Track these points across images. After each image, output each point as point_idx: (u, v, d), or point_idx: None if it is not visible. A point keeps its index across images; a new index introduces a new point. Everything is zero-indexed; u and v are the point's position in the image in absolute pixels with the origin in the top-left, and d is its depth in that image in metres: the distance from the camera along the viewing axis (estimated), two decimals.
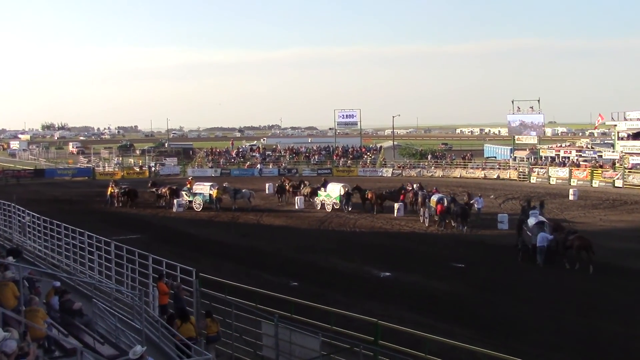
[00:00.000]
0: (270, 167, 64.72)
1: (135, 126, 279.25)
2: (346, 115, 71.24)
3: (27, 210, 21.66)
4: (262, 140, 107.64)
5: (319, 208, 37.44)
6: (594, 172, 49.95)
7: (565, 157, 58.89)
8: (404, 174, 59.13)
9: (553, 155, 61.15)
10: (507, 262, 23.36)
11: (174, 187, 40.15)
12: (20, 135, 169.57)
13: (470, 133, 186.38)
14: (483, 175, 57.08)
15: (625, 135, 54.81)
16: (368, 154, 67.44)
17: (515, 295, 18.87)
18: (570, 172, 51.22)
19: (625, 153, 52.66)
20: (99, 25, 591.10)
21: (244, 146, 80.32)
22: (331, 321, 12.53)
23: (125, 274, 15.29)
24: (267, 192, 45.09)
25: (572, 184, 49.33)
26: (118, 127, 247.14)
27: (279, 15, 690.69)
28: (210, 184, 39.30)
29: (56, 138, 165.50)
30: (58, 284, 13.00)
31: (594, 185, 48.69)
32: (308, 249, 26.13)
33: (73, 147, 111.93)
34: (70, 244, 17.81)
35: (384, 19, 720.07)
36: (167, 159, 77.09)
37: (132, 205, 39.22)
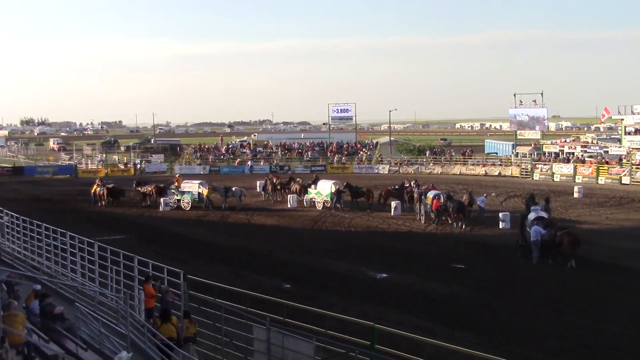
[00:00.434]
0: (262, 164, 64.71)
1: (120, 121, 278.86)
2: (341, 110, 71.29)
3: (5, 210, 21.56)
4: (252, 136, 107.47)
5: (308, 206, 37.51)
6: (600, 168, 50.13)
7: (569, 153, 58.98)
8: (401, 171, 59.25)
9: (557, 151, 61.22)
10: (509, 263, 23.42)
11: (161, 185, 40.12)
12: None
13: (470, 128, 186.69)
14: (484, 172, 57.21)
15: (633, 130, 55.00)
16: (364, 150, 67.50)
17: (518, 297, 18.92)
18: (575, 168, 51.41)
19: (633, 148, 52.81)
20: (81, 15, 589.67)
21: (233, 142, 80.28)
22: (325, 325, 12.52)
23: (110, 277, 15.24)
24: (258, 190, 45.10)
25: (577, 181, 49.49)
26: (101, 122, 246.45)
27: (270, 5, 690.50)
28: (199, 181, 39.26)
29: (36, 134, 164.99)
30: (38, 287, 12.96)
31: (599, 182, 48.87)
32: (301, 249, 26.13)
33: (54, 144, 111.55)
34: (52, 245, 17.75)
35: (380, 9, 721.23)
36: (153, 155, 77.05)
37: (117, 204, 39.14)
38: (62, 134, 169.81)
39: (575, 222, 31.41)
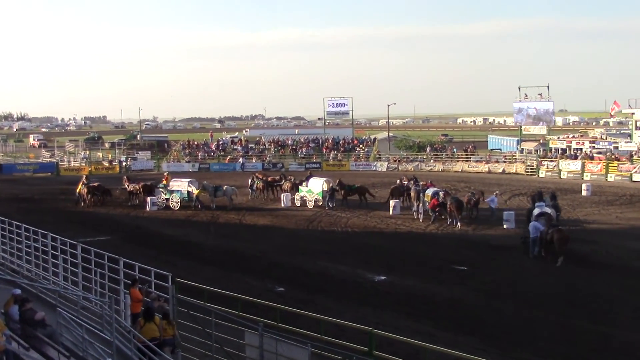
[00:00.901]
0: (254, 161, 64.74)
1: (104, 116, 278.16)
2: (336, 104, 71.36)
3: None
4: (244, 131, 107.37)
5: (299, 205, 37.56)
6: (609, 165, 50.29)
7: (577, 149, 59.24)
8: (400, 168, 59.32)
9: (564, 146, 61.49)
10: (513, 264, 23.47)
11: (149, 184, 40.06)
12: None
13: (472, 123, 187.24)
14: (487, 170, 57.35)
15: None
16: (361, 146, 67.57)
17: (523, 301, 18.95)
18: (583, 165, 51.55)
19: None
20: (59, 3, 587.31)
21: (224, 138, 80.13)
22: (321, 330, 12.54)
23: (94, 280, 15.22)
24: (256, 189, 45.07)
25: (585, 178, 49.64)
26: (84, 117, 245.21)
27: None
28: (188, 180, 39.20)
29: (15, 130, 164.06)
30: (18, 291, 12.91)
31: (609, 179, 49.06)
32: (295, 250, 26.14)
33: (34, 140, 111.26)
34: (32, 247, 17.70)
35: None
36: (139, 152, 76.89)
37: (103, 203, 39.06)
38: (43, 129, 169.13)
39: (583, 222, 31.55)
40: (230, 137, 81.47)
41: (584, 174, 50.76)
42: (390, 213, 34.16)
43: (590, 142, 62.59)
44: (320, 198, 36.94)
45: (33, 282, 16.05)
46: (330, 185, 36.97)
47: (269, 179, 42.60)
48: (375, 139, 73.89)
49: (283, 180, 40.96)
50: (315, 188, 37.60)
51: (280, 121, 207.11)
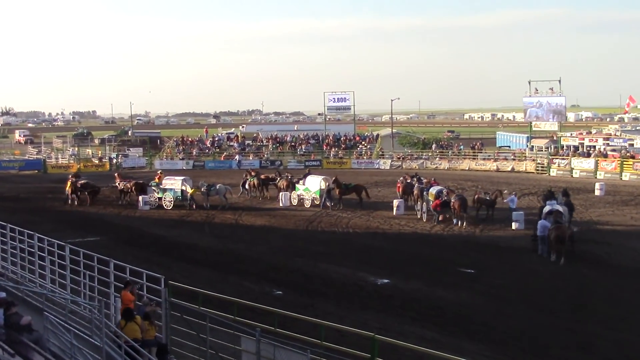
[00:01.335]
0: (251, 158, 64.68)
1: (94, 111, 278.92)
2: (338, 99, 71.28)
3: None
4: (240, 127, 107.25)
5: (295, 204, 37.58)
6: (624, 163, 50.22)
7: (590, 147, 59.17)
8: (404, 166, 59.31)
9: (576, 144, 61.45)
10: (524, 267, 23.48)
11: (141, 182, 39.99)
12: None
13: (480, 119, 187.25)
14: (495, 168, 57.32)
15: None
16: (363, 143, 67.51)
17: (533, 305, 18.95)
18: (597, 163, 51.50)
19: None
20: None
21: (220, 134, 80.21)
22: (321, 335, 12.52)
23: (83, 283, 15.19)
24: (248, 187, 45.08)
25: (598, 177, 49.60)
26: (73, 112, 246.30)
27: None
28: (182, 178, 39.15)
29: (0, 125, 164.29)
30: (3, 294, 12.89)
31: (624, 178, 49.00)
32: (294, 252, 26.14)
33: (20, 136, 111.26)
34: (18, 249, 17.68)
35: None
36: (130, 149, 76.86)
37: (91, 202, 39.03)
38: (29, 125, 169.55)
39: (596, 223, 31.54)
40: (226, 133, 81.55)
41: (598, 172, 50.71)
42: (394, 213, 34.13)
43: (604, 139, 62.51)
44: (318, 197, 36.95)
45: (19, 285, 16.04)
46: (328, 183, 36.94)
47: (263, 177, 42.56)
48: (378, 135, 73.88)
49: (279, 178, 40.93)
50: (312, 186, 37.60)
51: (279, 116, 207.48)
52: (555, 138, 62.86)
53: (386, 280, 21.63)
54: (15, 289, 15.33)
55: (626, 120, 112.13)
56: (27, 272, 17.28)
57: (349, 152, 65.10)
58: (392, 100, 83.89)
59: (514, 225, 29.95)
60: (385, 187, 45.27)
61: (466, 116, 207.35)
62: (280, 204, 37.88)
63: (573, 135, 66.00)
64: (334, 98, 71.15)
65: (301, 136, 71.99)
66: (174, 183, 38.31)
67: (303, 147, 67.56)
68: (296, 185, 38.79)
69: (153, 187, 38.85)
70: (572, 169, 52.68)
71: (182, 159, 65.51)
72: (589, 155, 54.39)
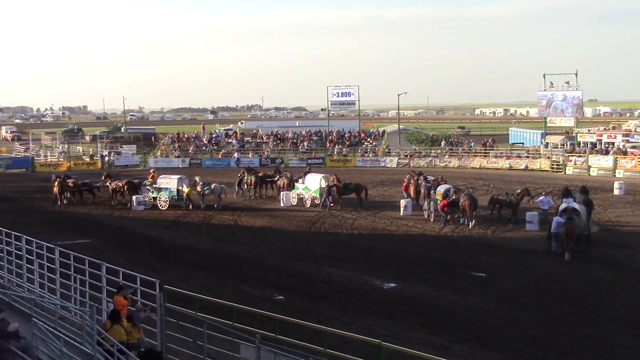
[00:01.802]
0: (250, 156, 64.71)
1: (85, 106, 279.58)
2: (341, 94, 71.27)
3: None
4: (239, 123, 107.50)
5: (295, 203, 37.64)
6: None
7: (608, 143, 59.06)
8: (411, 164, 59.26)
9: (594, 140, 61.31)
10: (538, 270, 23.47)
11: (134, 181, 40.05)
12: None
13: (492, 114, 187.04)
14: (508, 166, 57.30)
15: None
16: (368, 140, 67.57)
17: (547, 310, 18.94)
18: (616, 161, 51.46)
19: None
20: None
21: (217, 131, 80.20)
22: (324, 342, 12.53)
23: (73, 287, 15.22)
24: (245, 186, 45.14)
25: (617, 175, 49.60)
26: (63, 107, 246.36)
27: None
28: (177, 176, 39.17)
29: None
30: None
31: None
32: (296, 255, 26.15)
33: (7, 132, 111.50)
34: (4, 251, 17.72)
35: None
36: (123, 146, 76.92)
37: (80, 202, 39.11)
38: (17, 120, 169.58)
39: (615, 223, 31.50)
40: (224, 130, 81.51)
41: (616, 170, 50.67)
42: (401, 213, 34.15)
43: (624, 135, 62.31)
44: (318, 196, 36.95)
45: (6, 290, 16.06)
46: (328, 182, 36.93)
47: (260, 174, 42.57)
48: (384, 131, 73.87)
49: (277, 176, 40.93)
50: (312, 185, 37.60)
51: (280, 112, 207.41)
52: (571, 134, 62.70)
53: (393, 285, 21.63)
54: (2, 294, 15.36)
55: None
56: (15, 276, 17.32)
57: (354, 149, 65.11)
58: (399, 95, 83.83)
59: (527, 227, 29.91)
60: (391, 186, 45.29)
61: (477, 111, 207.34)
62: (281, 204, 37.90)
63: (590, 131, 65.82)
64: (337, 92, 71.14)
65: (303, 133, 72.03)
66: (170, 182, 38.31)
67: (305, 144, 67.57)
68: (295, 184, 38.82)
69: (147, 187, 38.87)
70: (589, 167, 52.63)
71: (178, 156, 65.57)
72: (607, 152, 54.32)
